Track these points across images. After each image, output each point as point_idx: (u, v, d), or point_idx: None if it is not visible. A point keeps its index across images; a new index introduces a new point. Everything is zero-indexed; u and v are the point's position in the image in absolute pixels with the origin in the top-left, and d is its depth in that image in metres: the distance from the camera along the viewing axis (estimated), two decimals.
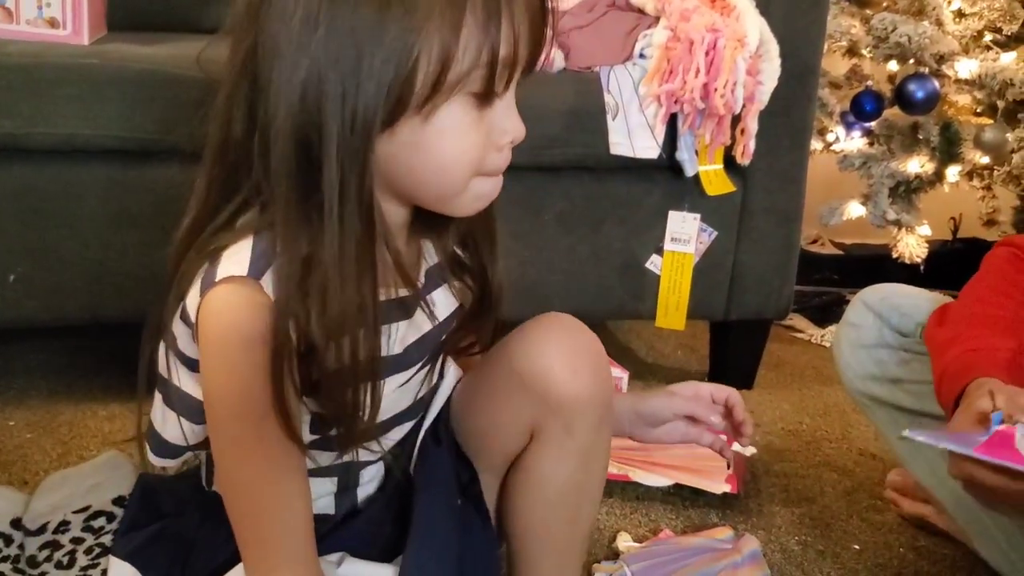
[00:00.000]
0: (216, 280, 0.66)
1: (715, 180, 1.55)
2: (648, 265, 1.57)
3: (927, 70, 1.86)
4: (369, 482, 0.84)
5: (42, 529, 0.97)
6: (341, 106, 0.61)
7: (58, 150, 1.31)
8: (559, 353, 0.79)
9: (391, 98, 0.62)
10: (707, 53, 1.43)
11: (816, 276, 2.45)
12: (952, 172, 1.91)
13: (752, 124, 1.49)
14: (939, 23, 1.88)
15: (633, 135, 1.50)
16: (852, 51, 2.08)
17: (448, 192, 0.69)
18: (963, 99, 1.94)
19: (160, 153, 1.32)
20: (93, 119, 1.30)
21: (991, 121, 1.85)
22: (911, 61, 1.87)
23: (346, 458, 0.79)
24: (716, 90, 1.42)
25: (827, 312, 2.21)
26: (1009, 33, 1.88)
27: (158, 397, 0.77)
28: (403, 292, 0.73)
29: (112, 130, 1.31)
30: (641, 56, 1.51)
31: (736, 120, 1.49)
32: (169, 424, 0.76)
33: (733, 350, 1.73)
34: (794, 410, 1.66)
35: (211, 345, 0.67)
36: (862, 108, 1.95)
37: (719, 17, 1.48)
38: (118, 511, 0.97)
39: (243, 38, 0.65)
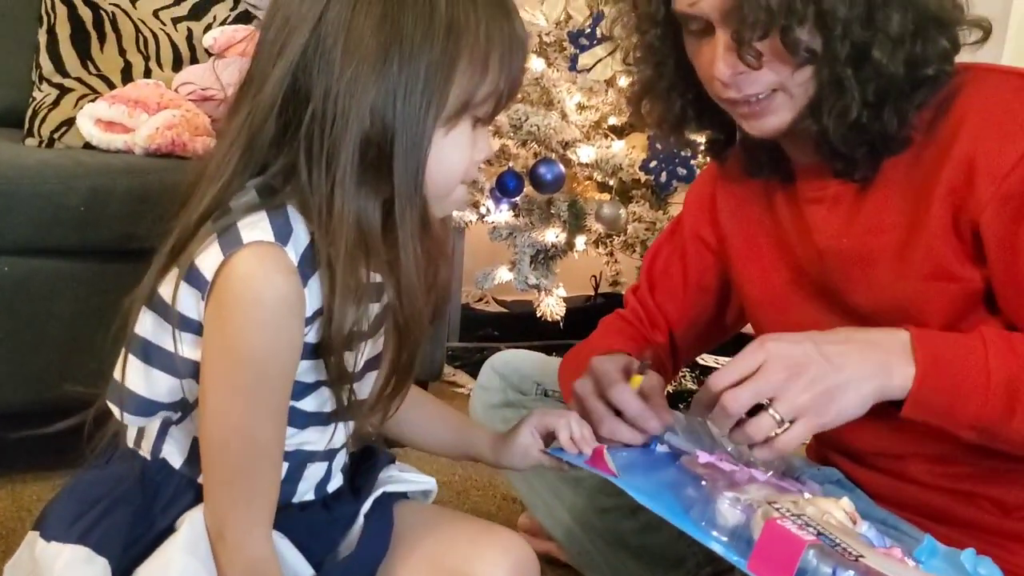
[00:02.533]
0: (244, 243, 0.75)
1: None
2: None
3: (555, 155, 2.14)
4: (308, 479, 0.91)
5: None
6: (405, 122, 0.78)
7: None
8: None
9: (436, 116, 0.79)
10: None
11: (479, 332, 2.69)
12: (580, 241, 2.20)
13: None
14: (564, 114, 2.17)
15: None
16: (498, 134, 2.33)
17: (443, 193, 0.84)
18: (588, 178, 2.24)
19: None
20: None
21: (608, 198, 2.15)
22: (541, 147, 2.14)
23: (302, 444, 0.87)
24: None
25: None
26: (620, 124, 2.21)
27: (134, 361, 0.83)
28: (377, 278, 0.84)
29: None
30: None
31: None
32: (154, 383, 0.82)
33: None
34: (449, 462, 1.84)
35: (243, 305, 0.76)
36: (505, 186, 2.19)
37: None
38: None
39: (290, 43, 0.78)
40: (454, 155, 0.82)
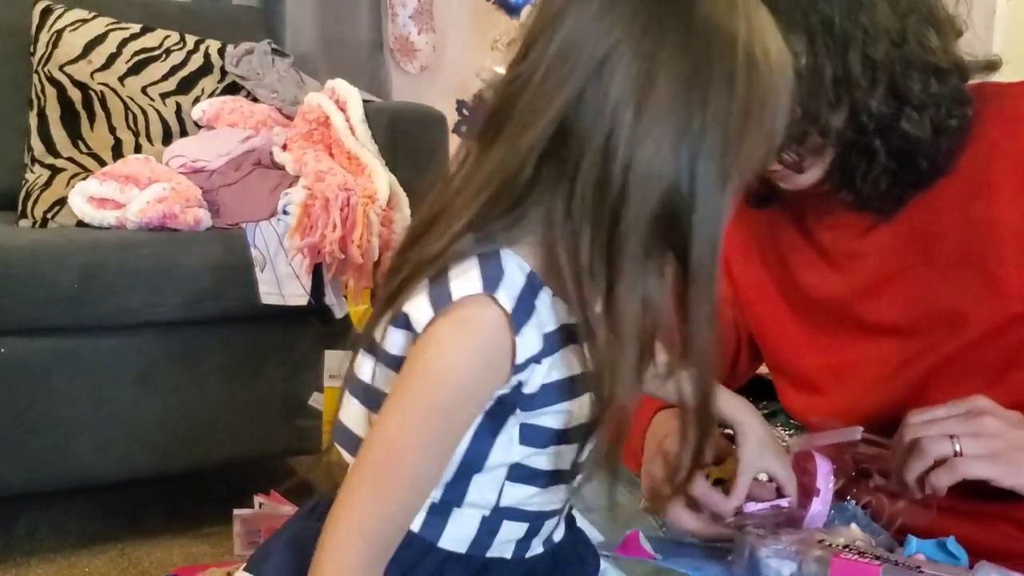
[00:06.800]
0: (453, 299, 0.70)
1: (364, 317, 1.70)
2: (311, 403, 1.67)
3: None
4: (546, 533, 0.85)
5: None
6: (705, 191, 0.70)
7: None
8: None
9: (731, 183, 0.72)
10: (342, 209, 1.59)
11: None
12: None
13: None
14: None
15: (283, 284, 1.62)
16: None
17: None
18: None
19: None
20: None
21: None
22: None
23: (541, 506, 0.81)
24: (353, 242, 1.58)
25: None
26: None
27: (355, 402, 0.79)
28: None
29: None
30: (284, 212, 1.65)
31: (378, 264, 1.65)
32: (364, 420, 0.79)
33: None
34: None
35: (433, 371, 0.71)
36: None
37: (351, 176, 1.65)
38: None
39: (567, 82, 0.70)
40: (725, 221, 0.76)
